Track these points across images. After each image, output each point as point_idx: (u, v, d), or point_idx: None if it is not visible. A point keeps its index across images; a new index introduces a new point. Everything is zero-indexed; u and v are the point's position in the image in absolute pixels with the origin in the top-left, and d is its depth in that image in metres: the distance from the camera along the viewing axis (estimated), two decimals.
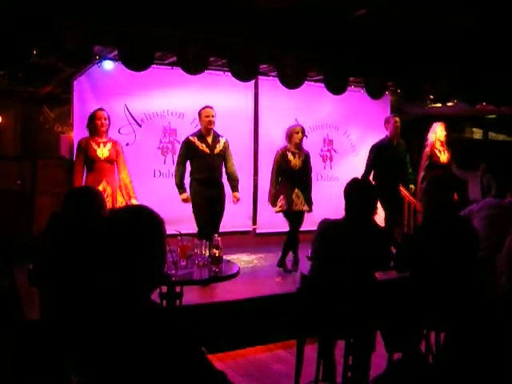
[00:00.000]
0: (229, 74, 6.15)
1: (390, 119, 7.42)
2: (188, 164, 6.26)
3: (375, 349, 3.65)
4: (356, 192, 3.76)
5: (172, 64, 6.65)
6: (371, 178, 7.29)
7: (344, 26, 5.86)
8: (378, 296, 3.65)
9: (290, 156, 6.52)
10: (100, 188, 5.69)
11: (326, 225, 3.82)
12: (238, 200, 6.46)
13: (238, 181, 6.44)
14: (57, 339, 1.73)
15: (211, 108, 6.18)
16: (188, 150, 6.18)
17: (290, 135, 6.57)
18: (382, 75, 6.67)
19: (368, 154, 7.51)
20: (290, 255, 6.64)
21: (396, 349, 3.80)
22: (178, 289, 4.05)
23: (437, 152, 7.35)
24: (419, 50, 6.46)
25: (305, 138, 6.75)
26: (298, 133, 6.55)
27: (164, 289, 3.87)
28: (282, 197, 6.51)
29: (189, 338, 1.69)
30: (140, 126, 7.46)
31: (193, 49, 5.36)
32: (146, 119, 7.50)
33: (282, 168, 6.55)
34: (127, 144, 7.26)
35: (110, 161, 6.04)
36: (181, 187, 6.17)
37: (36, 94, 8.13)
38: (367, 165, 7.42)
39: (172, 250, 3.81)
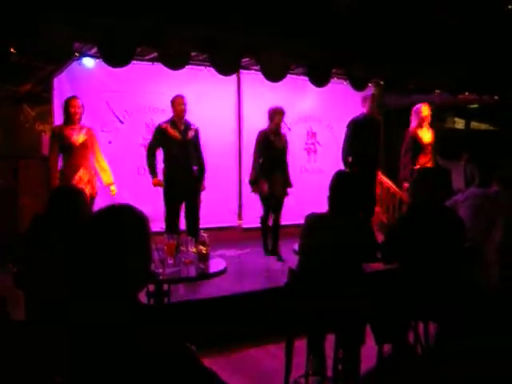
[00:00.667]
0: (210, 68, 6.12)
1: (366, 97, 7.49)
2: (161, 152, 6.35)
3: (365, 341, 3.65)
4: (341, 184, 3.76)
5: (153, 60, 6.62)
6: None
7: (327, 17, 5.85)
8: (366, 288, 3.64)
9: (272, 137, 6.69)
10: (78, 175, 5.86)
11: (313, 218, 3.82)
12: (204, 188, 6.50)
13: (205, 169, 6.50)
14: (42, 339, 1.70)
15: (183, 96, 6.30)
16: (160, 136, 6.27)
17: (272, 116, 6.73)
18: (365, 66, 6.67)
19: (346, 130, 7.57)
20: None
21: (385, 341, 3.80)
22: (165, 287, 4.02)
23: (419, 132, 7.32)
24: (402, 40, 6.47)
25: (288, 131, 6.79)
26: (280, 114, 6.72)
27: (151, 287, 3.84)
28: (262, 180, 6.65)
29: (177, 336, 1.67)
30: (122, 122, 7.40)
31: (174, 44, 5.32)
32: (128, 116, 7.44)
33: (264, 149, 6.68)
34: (110, 142, 7.22)
35: (85, 146, 6.02)
36: (152, 171, 6.24)
37: (16, 92, 8.01)
38: (346, 141, 7.46)
39: (158, 248, 3.79)
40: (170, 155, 6.25)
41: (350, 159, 7.22)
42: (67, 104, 6.02)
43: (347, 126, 7.53)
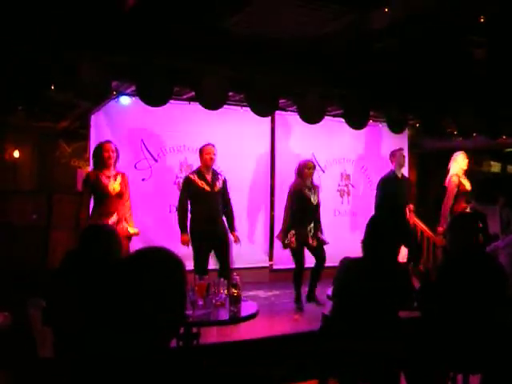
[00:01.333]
0: (246, 108, 6.13)
1: (395, 153, 7.45)
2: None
3: None
4: (375, 229, 3.68)
5: (189, 99, 6.66)
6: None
7: (364, 60, 5.84)
8: (402, 336, 3.53)
9: (306, 191, 6.53)
10: (111, 220, 5.63)
11: (348, 263, 3.73)
12: (238, 239, 6.32)
13: (234, 219, 6.35)
14: (71, 379, 1.65)
15: (213, 146, 6.18)
16: (188, 188, 6.14)
17: (301, 170, 6.59)
18: (403, 110, 6.63)
19: (376, 188, 7.50)
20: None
21: None
22: (194, 329, 3.95)
23: (462, 180, 7.27)
24: (440, 83, 6.43)
25: (321, 172, 6.72)
26: (310, 168, 6.57)
27: (181, 329, 3.77)
28: (293, 232, 6.47)
29: (207, 379, 1.61)
30: (156, 161, 7.43)
31: (211, 84, 5.34)
32: (162, 154, 7.47)
33: (298, 203, 6.51)
34: (143, 179, 7.25)
35: (120, 195, 5.84)
36: (183, 227, 6.08)
37: (53, 128, 8.16)
38: (377, 199, 7.39)
39: (189, 288, 3.73)
40: (196, 207, 6.12)
41: None
42: (101, 148, 5.85)
43: (377, 186, 7.47)
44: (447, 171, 7.44)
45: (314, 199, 6.58)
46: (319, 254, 6.55)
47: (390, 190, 7.21)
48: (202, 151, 6.19)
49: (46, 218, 7.05)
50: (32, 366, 3.31)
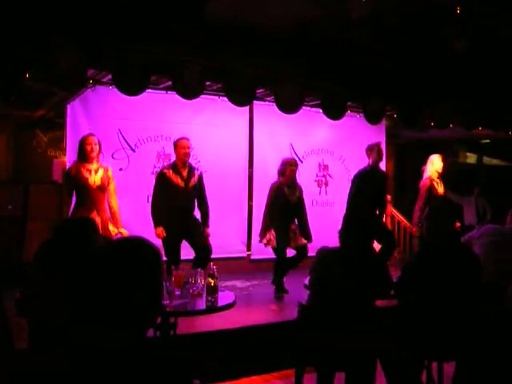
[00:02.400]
0: (224, 98, 6.10)
1: (373, 147, 7.18)
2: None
3: (375, 380, 3.54)
4: (354, 221, 3.72)
5: (167, 88, 6.62)
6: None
7: (343, 50, 5.85)
8: (378, 325, 3.56)
9: (286, 190, 6.42)
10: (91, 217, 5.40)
11: (324, 253, 3.75)
12: (208, 236, 6.15)
13: (208, 216, 6.21)
14: (47, 371, 1.64)
15: (187, 139, 6.04)
16: (162, 184, 6.01)
17: (283, 169, 6.47)
18: (381, 101, 6.65)
19: (351, 182, 7.34)
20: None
21: (397, 380, 3.69)
22: (172, 319, 3.94)
23: (435, 184, 7.27)
24: (418, 74, 6.47)
25: (300, 163, 6.68)
26: (291, 165, 6.47)
27: (158, 319, 3.76)
28: (272, 231, 6.40)
29: (183, 370, 1.61)
30: (134, 150, 7.39)
31: (189, 73, 5.31)
32: (139, 144, 7.44)
33: (278, 203, 6.42)
34: (120, 169, 7.21)
35: (101, 188, 5.78)
36: (157, 221, 5.96)
37: (29, 117, 8.06)
38: (352, 193, 7.20)
39: (165, 279, 3.72)
40: (169, 202, 5.98)
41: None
42: (83, 141, 5.78)
43: (353, 179, 7.29)
44: (422, 172, 7.43)
45: (293, 198, 6.46)
46: (301, 251, 6.48)
47: (364, 186, 7.12)
48: (176, 145, 6.06)
49: (22, 209, 6.97)
50: (9, 358, 3.27)
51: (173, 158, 6.32)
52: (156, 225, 5.93)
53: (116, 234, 5.81)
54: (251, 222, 8.12)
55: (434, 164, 7.31)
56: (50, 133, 8.38)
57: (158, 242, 5.71)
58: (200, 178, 6.16)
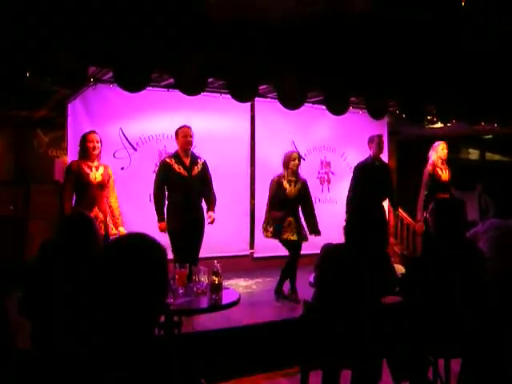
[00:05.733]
0: (225, 95, 6.08)
1: (374, 138, 7.24)
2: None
3: (381, 378, 3.52)
4: (360, 218, 3.69)
5: (168, 86, 6.59)
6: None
7: (345, 45, 5.81)
8: (384, 322, 3.53)
9: (285, 184, 6.35)
10: (92, 215, 5.35)
11: (329, 250, 3.72)
12: (213, 220, 6.02)
13: (214, 202, 6.09)
14: (49, 371, 1.62)
15: (189, 128, 5.93)
16: (164, 173, 5.89)
17: (286, 162, 6.39)
18: (384, 96, 6.62)
19: (352, 173, 7.35)
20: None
21: (403, 377, 3.66)
22: (176, 318, 3.92)
23: (438, 170, 7.30)
24: (421, 69, 6.43)
25: (302, 160, 6.63)
26: (294, 159, 6.36)
27: (162, 318, 3.74)
28: (271, 223, 6.36)
29: (187, 368, 1.59)
30: (135, 149, 7.37)
31: (191, 69, 5.27)
32: (141, 143, 7.41)
33: (276, 196, 6.36)
34: (122, 168, 7.19)
35: (102, 185, 5.74)
36: (160, 214, 5.86)
37: (30, 117, 8.04)
38: (352, 185, 7.24)
39: (170, 277, 3.69)
40: (173, 193, 5.90)
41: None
42: (85, 138, 5.74)
43: (354, 172, 7.30)
44: (427, 160, 7.46)
45: (292, 192, 6.37)
46: (293, 247, 6.35)
47: (365, 177, 7.11)
48: (177, 133, 5.94)
49: (24, 209, 6.95)
50: (8, 357, 3.25)
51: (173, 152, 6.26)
52: (159, 219, 5.85)
53: (115, 234, 5.77)
54: (254, 219, 8.10)
55: (438, 151, 7.33)
56: (51, 133, 8.36)
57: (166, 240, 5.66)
58: (204, 166, 6.04)
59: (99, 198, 5.74)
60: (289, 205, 6.37)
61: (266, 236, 6.44)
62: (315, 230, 6.42)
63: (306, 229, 6.44)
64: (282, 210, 6.34)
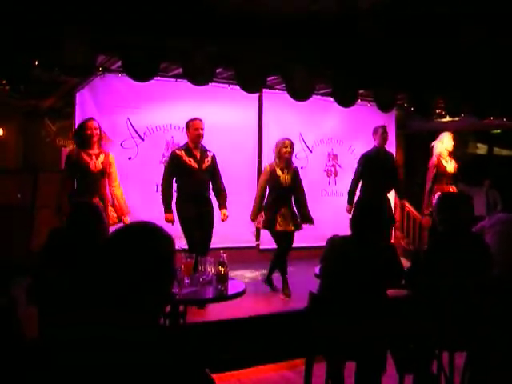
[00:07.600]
0: (234, 86, 6.06)
1: (377, 129, 7.23)
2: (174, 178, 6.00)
3: (386, 370, 3.52)
4: (367, 210, 3.68)
5: (176, 76, 6.57)
6: (359, 187, 7.21)
7: (354, 38, 5.79)
8: (389, 314, 3.53)
9: (278, 171, 6.27)
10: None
11: (335, 241, 3.71)
12: (226, 217, 6.08)
13: (226, 197, 6.12)
14: (56, 359, 1.62)
15: (200, 120, 5.91)
16: (174, 165, 5.88)
17: (279, 150, 6.30)
18: (393, 88, 6.60)
19: (357, 163, 7.37)
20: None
21: (407, 370, 3.67)
22: (181, 307, 3.93)
23: (443, 162, 7.28)
24: (430, 63, 6.40)
25: (309, 153, 6.62)
26: (287, 147, 6.27)
27: (167, 307, 3.75)
28: (262, 213, 6.32)
29: (193, 358, 1.59)
30: (143, 139, 7.37)
31: (200, 59, 5.26)
32: (148, 133, 7.42)
33: (269, 184, 6.32)
34: (129, 158, 7.21)
35: (103, 173, 5.70)
36: (167, 206, 5.85)
37: (38, 107, 8.06)
38: (355, 174, 7.25)
39: (176, 267, 3.70)
40: (183, 184, 5.91)
41: (349, 207, 7.01)
42: (83, 126, 5.68)
43: (358, 161, 7.30)
44: (431, 150, 7.43)
45: (285, 180, 6.28)
46: (287, 238, 6.32)
47: (369, 166, 7.10)
48: (188, 126, 5.91)
49: (31, 198, 6.97)
50: (17, 346, 3.27)
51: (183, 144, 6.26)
52: (166, 210, 5.85)
53: (118, 222, 5.75)
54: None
55: (444, 141, 7.30)
56: (59, 122, 8.38)
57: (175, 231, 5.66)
58: (213, 159, 6.04)
59: (100, 186, 5.72)
60: (282, 193, 6.30)
61: (258, 226, 6.44)
62: (308, 219, 6.36)
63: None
64: (274, 199, 6.29)
